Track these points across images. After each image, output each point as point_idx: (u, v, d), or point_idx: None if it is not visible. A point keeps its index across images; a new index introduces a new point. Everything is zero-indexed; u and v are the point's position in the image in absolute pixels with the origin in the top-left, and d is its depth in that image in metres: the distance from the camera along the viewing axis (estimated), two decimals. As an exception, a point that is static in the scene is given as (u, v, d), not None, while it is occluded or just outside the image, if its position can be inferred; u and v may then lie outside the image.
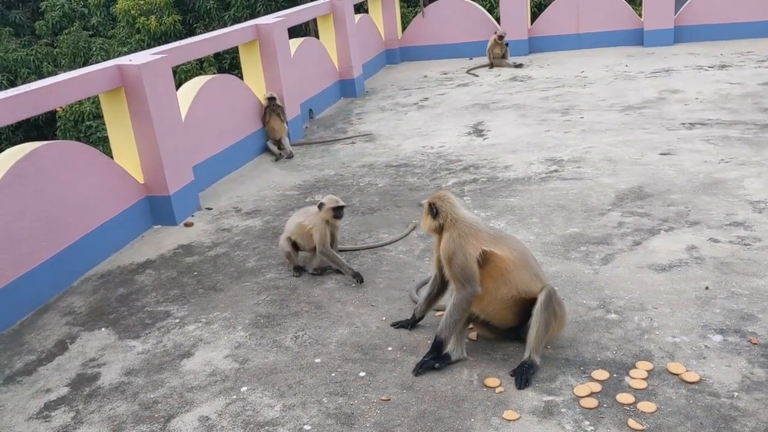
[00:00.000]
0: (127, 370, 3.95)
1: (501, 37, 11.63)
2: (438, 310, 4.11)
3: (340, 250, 5.06)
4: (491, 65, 11.82)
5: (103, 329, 4.46)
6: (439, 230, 3.71)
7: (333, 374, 3.69)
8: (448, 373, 3.60)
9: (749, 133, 6.94)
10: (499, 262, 3.56)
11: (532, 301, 3.57)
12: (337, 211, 4.80)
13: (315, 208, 4.88)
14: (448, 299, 3.72)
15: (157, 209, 6.06)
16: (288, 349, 3.99)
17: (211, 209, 6.40)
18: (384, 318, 4.21)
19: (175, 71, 16.06)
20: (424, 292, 4.08)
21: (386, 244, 5.24)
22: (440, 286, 3.90)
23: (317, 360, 3.85)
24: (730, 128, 7.17)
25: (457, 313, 3.58)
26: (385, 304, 4.38)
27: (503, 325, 3.73)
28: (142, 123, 5.85)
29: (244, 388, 3.66)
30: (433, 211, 3.70)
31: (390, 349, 3.89)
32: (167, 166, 5.98)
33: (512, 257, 3.59)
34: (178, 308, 4.62)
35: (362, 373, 3.67)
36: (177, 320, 4.46)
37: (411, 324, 4.05)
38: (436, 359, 3.63)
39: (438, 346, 3.65)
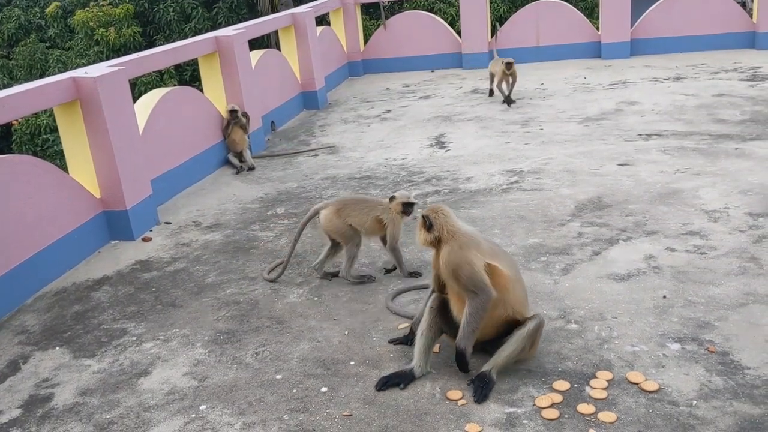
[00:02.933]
0: (82, 390, 3.85)
1: (509, 65, 9.47)
2: (405, 324, 4.10)
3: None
4: (492, 92, 10.28)
5: (57, 348, 4.33)
6: (437, 244, 3.59)
7: (294, 390, 3.64)
8: (411, 387, 3.57)
9: (704, 144, 7.09)
10: (499, 277, 3.49)
11: (515, 321, 3.56)
12: (407, 207, 4.69)
13: (374, 199, 4.87)
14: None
15: (115, 224, 5.93)
16: (248, 366, 3.92)
17: (170, 223, 6.29)
18: (346, 332, 4.18)
19: (134, 83, 15.94)
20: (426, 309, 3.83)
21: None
22: (442, 301, 3.70)
23: (278, 376, 3.79)
24: (685, 139, 7.33)
25: (475, 321, 3.47)
26: (347, 318, 4.35)
27: (479, 340, 3.65)
28: (99, 136, 5.73)
29: (203, 407, 3.58)
30: (427, 224, 3.59)
31: (352, 363, 3.85)
32: (124, 180, 5.87)
33: (510, 274, 3.54)
34: (136, 325, 4.52)
35: (324, 389, 3.63)
36: (134, 338, 4.36)
37: (410, 340, 3.90)
38: (401, 380, 3.57)
39: (461, 357, 3.54)
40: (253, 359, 3.99)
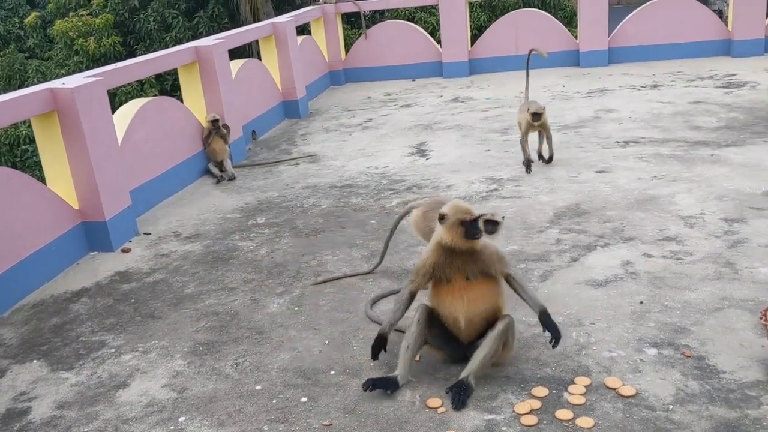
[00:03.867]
0: (60, 404, 3.81)
1: (536, 116, 6.79)
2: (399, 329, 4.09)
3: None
4: (528, 165, 7.04)
5: (34, 361, 4.29)
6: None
7: (274, 401, 3.64)
8: (391, 396, 3.58)
9: (680, 151, 7.18)
10: None
11: (493, 322, 3.60)
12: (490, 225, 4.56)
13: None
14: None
15: (93, 235, 5.89)
16: (228, 377, 3.91)
17: (150, 234, 6.26)
18: (327, 341, 4.18)
19: (114, 93, 15.85)
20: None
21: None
22: (429, 313, 3.70)
23: (258, 387, 3.78)
24: (662, 146, 7.41)
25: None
26: (328, 327, 4.35)
27: (465, 339, 3.67)
28: (76, 147, 5.70)
29: (182, 418, 3.57)
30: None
31: (333, 373, 3.85)
32: (103, 191, 5.83)
33: None
34: (114, 337, 4.49)
35: (304, 399, 3.62)
36: (113, 350, 4.33)
37: (382, 347, 3.81)
38: (388, 386, 3.58)
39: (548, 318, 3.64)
40: (232, 370, 3.97)
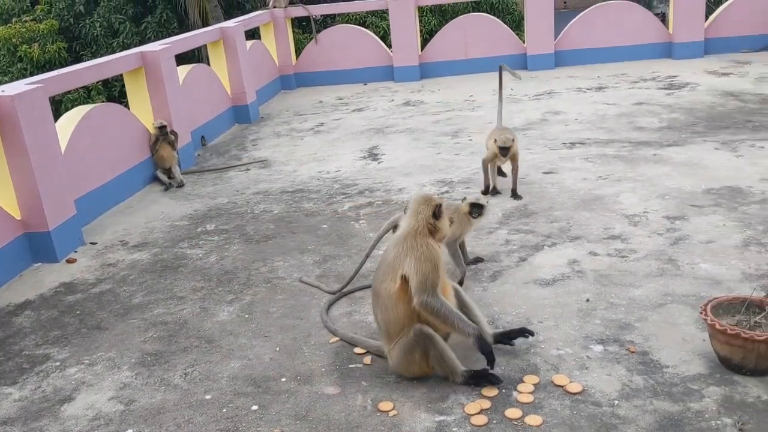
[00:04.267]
0: (2, 420, 3.70)
1: (504, 150, 6.08)
2: (336, 339, 4.09)
3: None
4: (490, 190, 6.39)
5: (-26, 378, 4.16)
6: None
7: (224, 410, 3.59)
8: (342, 401, 3.57)
9: (624, 151, 7.36)
10: None
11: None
12: (475, 208, 4.73)
13: (451, 203, 4.91)
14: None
15: (37, 246, 5.74)
16: (177, 387, 3.85)
17: (96, 244, 6.13)
18: (278, 348, 4.15)
19: (60, 101, 15.48)
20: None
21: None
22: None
23: (208, 396, 3.73)
24: (607, 146, 7.58)
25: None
26: (279, 334, 4.32)
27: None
28: (17, 156, 5.55)
29: (129, 431, 3.50)
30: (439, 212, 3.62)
31: (284, 380, 3.83)
32: (46, 201, 5.69)
33: None
34: (59, 350, 4.37)
35: (254, 407, 3.59)
36: (57, 363, 4.22)
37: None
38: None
39: None
40: (181, 380, 3.91)
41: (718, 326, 3.48)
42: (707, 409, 3.28)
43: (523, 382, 3.59)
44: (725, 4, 12.66)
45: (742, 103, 8.89)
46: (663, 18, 16.93)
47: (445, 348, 3.57)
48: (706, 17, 12.36)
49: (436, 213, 3.58)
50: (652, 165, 6.82)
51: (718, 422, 3.18)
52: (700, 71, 11.09)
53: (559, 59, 12.51)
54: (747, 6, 12.18)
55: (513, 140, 6.15)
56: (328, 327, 4.30)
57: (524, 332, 3.88)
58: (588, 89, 10.61)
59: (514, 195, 6.25)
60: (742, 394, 3.36)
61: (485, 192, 6.35)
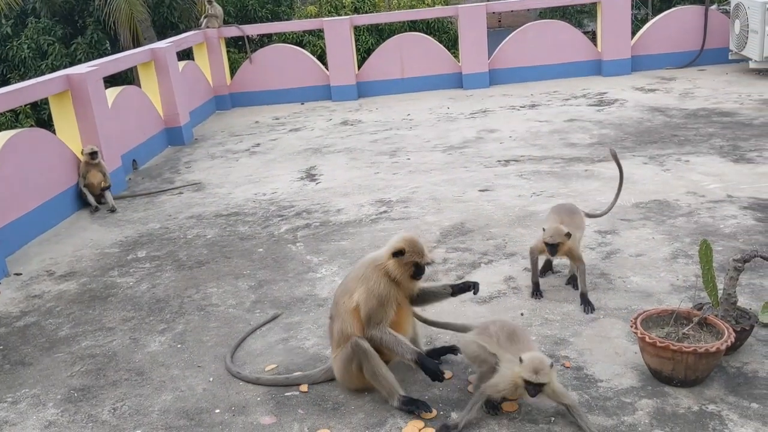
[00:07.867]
0: None
1: (554, 246, 4.42)
2: (272, 366, 3.99)
3: None
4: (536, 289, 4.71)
5: None
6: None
7: (155, 445, 3.46)
8: (278, 430, 3.49)
9: (557, 167, 7.50)
10: None
11: None
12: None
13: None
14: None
15: (-45, 279, 5.47)
16: (105, 423, 3.69)
17: (21, 274, 5.87)
18: (211, 378, 4.03)
19: (-17, 125, 14.89)
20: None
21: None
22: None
23: (137, 431, 3.59)
24: (540, 163, 7.72)
25: None
26: (212, 364, 4.20)
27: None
28: (-68, 185, 5.28)
29: (53, 473, 3.33)
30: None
31: (218, 411, 3.71)
32: (-36, 231, 5.43)
33: None
34: (-22, 390, 4.15)
35: (187, 441, 3.47)
36: (-24, 404, 4.00)
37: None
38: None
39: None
40: (110, 415, 3.76)
41: (647, 339, 3.54)
42: (640, 422, 3.33)
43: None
44: (650, 22, 13.16)
45: (668, 118, 9.21)
46: (593, 36, 17.44)
47: (379, 364, 3.57)
48: (633, 35, 12.81)
49: (395, 253, 3.60)
50: (583, 180, 6.97)
51: (651, 435, 3.23)
52: (628, 87, 11.45)
53: (494, 78, 12.73)
54: (671, 24, 12.68)
55: (566, 235, 4.43)
56: (237, 374, 4.06)
57: (453, 349, 3.97)
58: (521, 107, 10.82)
59: (584, 302, 4.48)
60: (673, 405, 3.43)
61: (533, 292, 4.70)
